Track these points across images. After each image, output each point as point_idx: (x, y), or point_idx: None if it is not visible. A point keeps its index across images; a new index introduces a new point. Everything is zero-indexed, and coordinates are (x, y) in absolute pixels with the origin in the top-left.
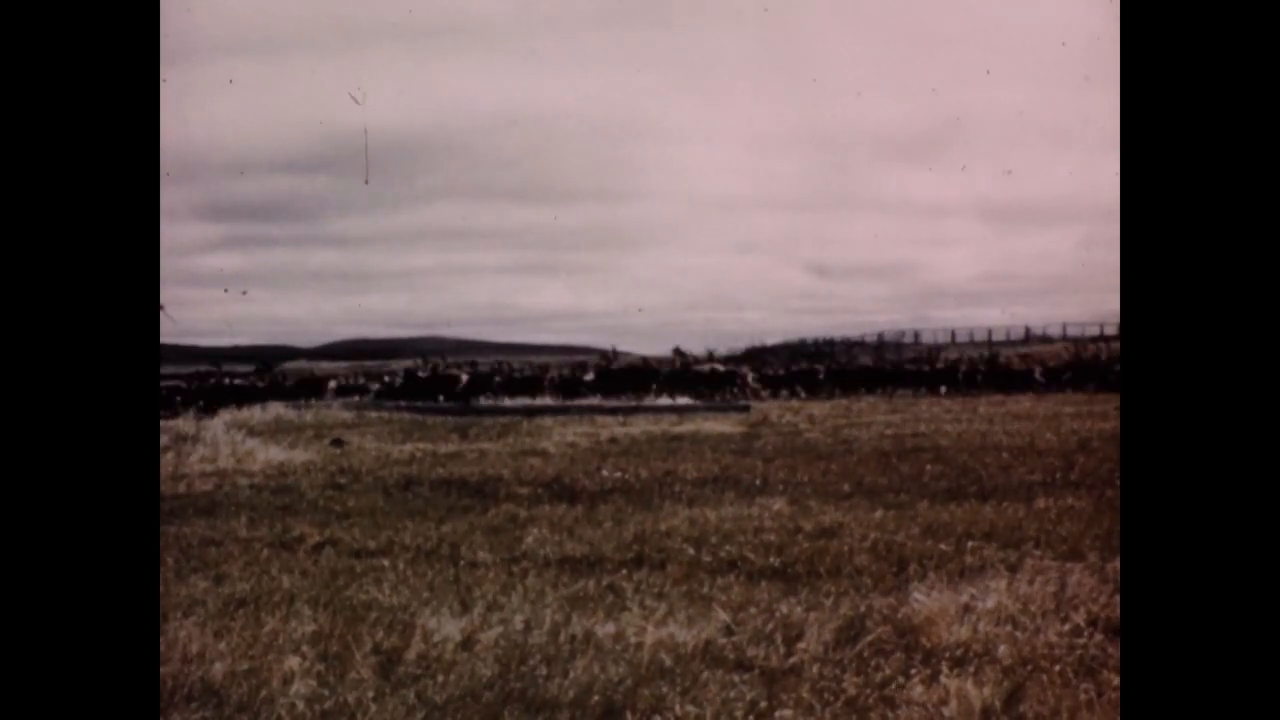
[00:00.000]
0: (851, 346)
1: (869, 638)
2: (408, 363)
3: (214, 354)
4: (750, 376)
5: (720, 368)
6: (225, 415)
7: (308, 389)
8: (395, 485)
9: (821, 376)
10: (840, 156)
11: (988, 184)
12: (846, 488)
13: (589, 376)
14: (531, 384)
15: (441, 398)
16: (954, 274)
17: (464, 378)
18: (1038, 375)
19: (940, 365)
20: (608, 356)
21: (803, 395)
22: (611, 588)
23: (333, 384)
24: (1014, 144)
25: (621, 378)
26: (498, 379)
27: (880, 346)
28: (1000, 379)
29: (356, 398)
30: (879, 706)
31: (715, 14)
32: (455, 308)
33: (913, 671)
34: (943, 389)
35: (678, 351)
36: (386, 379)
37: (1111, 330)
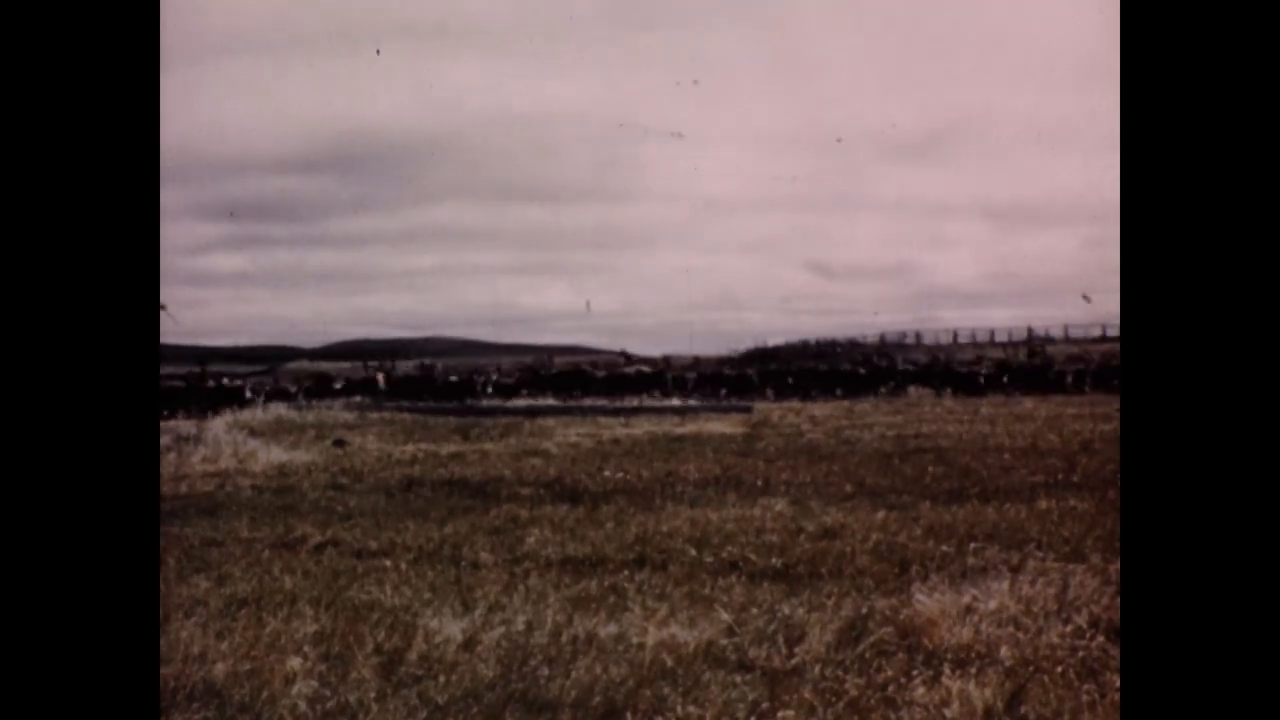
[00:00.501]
0: (855, 347)
1: (871, 639)
2: (411, 362)
3: (218, 354)
4: (683, 378)
5: (646, 369)
6: (227, 415)
7: (227, 397)
8: (397, 486)
9: (755, 379)
10: (842, 157)
11: (989, 184)
12: (848, 488)
13: (525, 380)
14: (465, 388)
15: (359, 398)
16: (956, 274)
17: (381, 379)
18: (981, 378)
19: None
20: (545, 360)
21: (737, 397)
22: (613, 588)
23: (249, 392)
24: (1015, 144)
25: (556, 381)
26: (433, 381)
27: (882, 347)
28: (949, 381)
29: (284, 403)
30: (881, 707)
31: (716, 14)
32: (457, 307)
33: (915, 673)
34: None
35: (623, 354)
36: (302, 385)
37: (1113, 331)
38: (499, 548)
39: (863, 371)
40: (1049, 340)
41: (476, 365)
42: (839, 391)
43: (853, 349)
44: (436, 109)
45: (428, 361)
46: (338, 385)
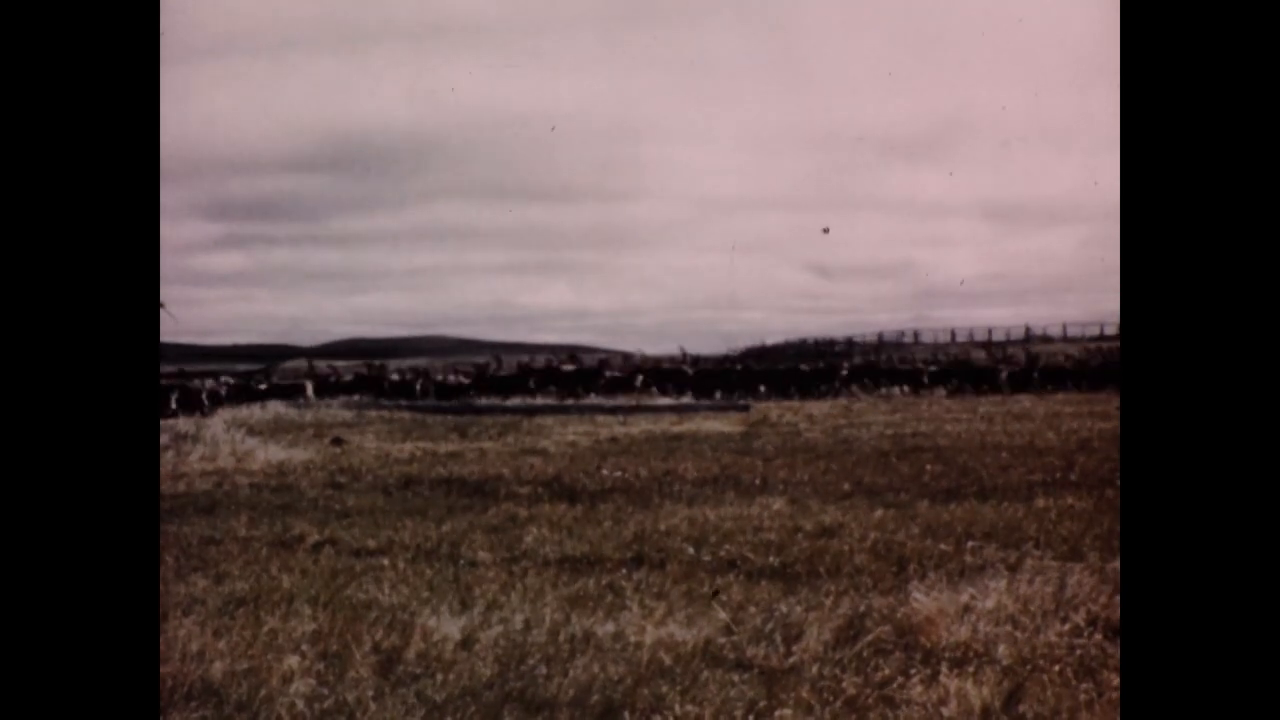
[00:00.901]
0: (852, 346)
1: (869, 637)
2: (411, 361)
3: (216, 353)
4: (618, 377)
5: (573, 367)
6: (225, 414)
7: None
8: (395, 484)
9: (690, 373)
10: (841, 156)
11: (989, 184)
12: (846, 487)
13: (467, 380)
14: (406, 389)
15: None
16: (954, 274)
17: (308, 384)
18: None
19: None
20: (493, 360)
21: (671, 391)
22: (611, 587)
23: (210, 384)
24: (1014, 144)
25: (500, 381)
26: (380, 382)
27: (880, 346)
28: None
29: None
30: (878, 706)
31: (715, 14)
32: (456, 307)
33: (912, 671)
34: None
35: (571, 355)
36: (223, 386)
37: (1111, 330)
38: (497, 546)
39: (804, 368)
40: (1047, 339)
41: (429, 366)
42: (792, 389)
43: (850, 348)
44: (436, 108)
45: (376, 363)
46: (262, 386)
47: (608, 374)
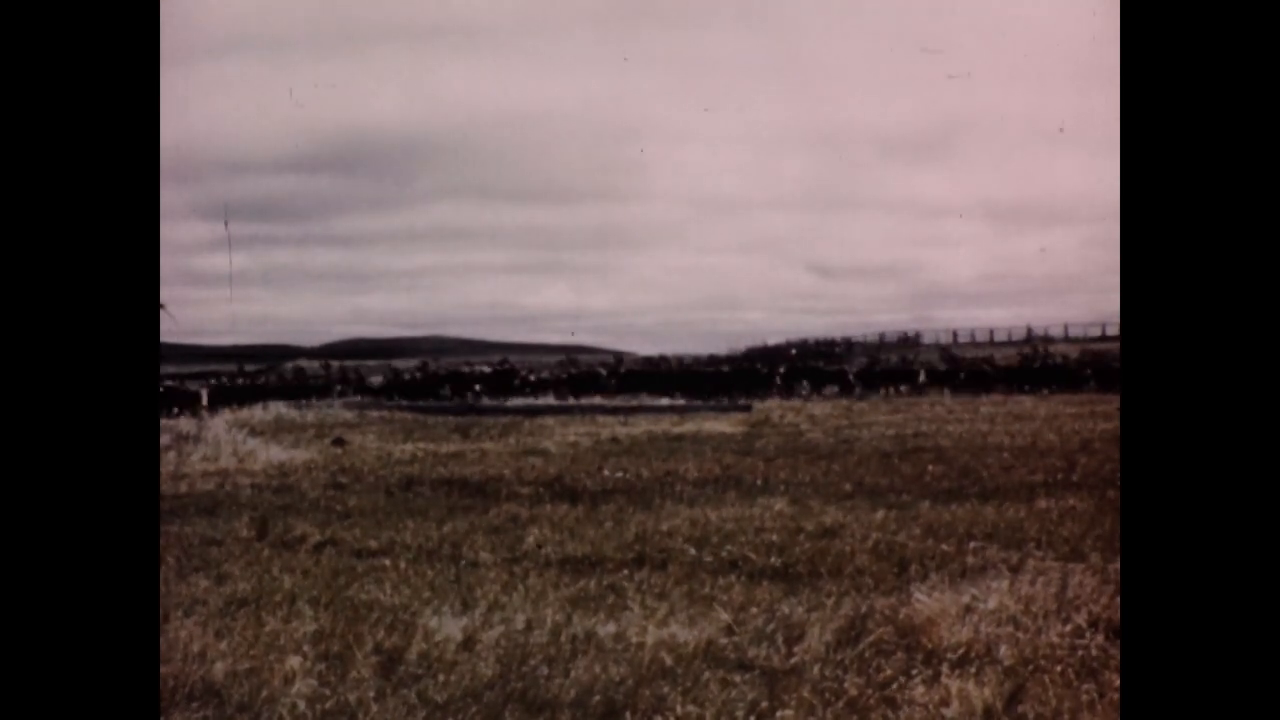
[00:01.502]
0: (852, 346)
1: (870, 638)
2: (411, 362)
3: (217, 353)
4: (526, 376)
5: (487, 369)
6: (227, 414)
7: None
8: (396, 485)
9: (606, 374)
10: (841, 156)
11: (989, 184)
12: (848, 488)
13: (397, 380)
14: (324, 388)
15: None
16: (955, 274)
17: (203, 392)
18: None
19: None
20: (425, 366)
21: (591, 394)
22: (613, 588)
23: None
24: (1015, 144)
25: (425, 384)
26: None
27: (882, 346)
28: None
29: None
30: (880, 707)
31: (716, 14)
32: (456, 307)
33: (914, 672)
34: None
35: (503, 360)
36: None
37: (1113, 330)
38: (498, 547)
39: (726, 370)
40: (1048, 339)
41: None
42: (727, 393)
43: (850, 348)
44: (436, 109)
45: (301, 364)
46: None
47: (519, 378)
